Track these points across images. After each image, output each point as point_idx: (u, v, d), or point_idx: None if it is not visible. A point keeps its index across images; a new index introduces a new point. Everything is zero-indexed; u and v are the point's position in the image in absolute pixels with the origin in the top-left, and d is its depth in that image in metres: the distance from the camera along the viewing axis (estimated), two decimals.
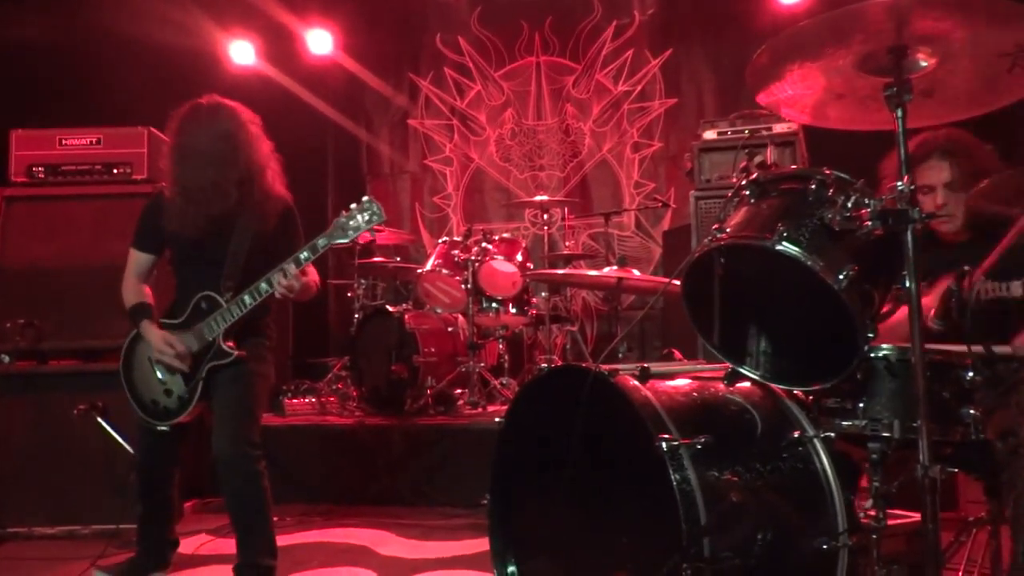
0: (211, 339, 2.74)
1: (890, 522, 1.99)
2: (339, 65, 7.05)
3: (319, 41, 6.88)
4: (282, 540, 3.53)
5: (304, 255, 2.64)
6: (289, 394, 5.10)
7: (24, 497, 3.68)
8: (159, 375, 2.82)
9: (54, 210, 3.95)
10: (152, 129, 4.14)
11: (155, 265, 2.96)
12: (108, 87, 5.49)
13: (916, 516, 2.09)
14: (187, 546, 3.50)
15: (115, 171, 4.06)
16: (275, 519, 3.84)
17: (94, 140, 4.09)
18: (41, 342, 3.82)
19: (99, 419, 3.62)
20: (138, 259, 2.92)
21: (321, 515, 4.00)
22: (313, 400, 5.11)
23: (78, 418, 3.63)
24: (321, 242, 2.66)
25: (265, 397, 2.91)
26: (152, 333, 2.77)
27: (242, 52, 6.86)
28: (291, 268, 2.64)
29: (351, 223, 2.65)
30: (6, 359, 3.80)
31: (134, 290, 2.89)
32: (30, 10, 5.22)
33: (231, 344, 2.74)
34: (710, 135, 4.73)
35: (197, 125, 2.84)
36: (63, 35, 5.44)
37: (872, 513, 1.99)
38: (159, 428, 2.80)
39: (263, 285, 2.66)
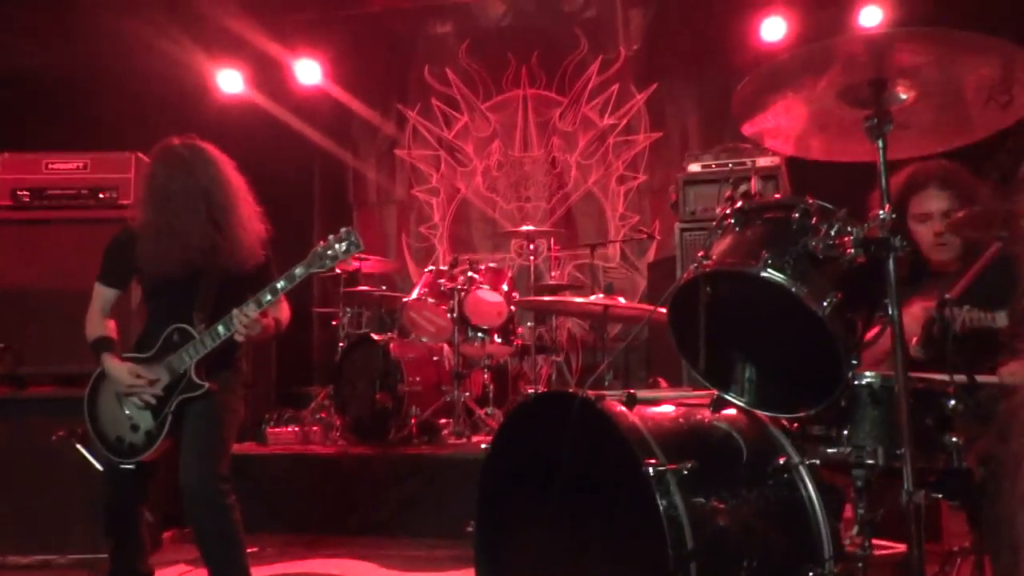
0: (182, 371, 2.68)
1: (875, 552, 2.00)
2: (327, 94, 7.10)
3: (307, 71, 6.93)
4: (263, 571, 3.50)
5: (266, 298, 2.62)
6: (272, 423, 5.06)
7: (0, 525, 3.60)
8: (126, 411, 2.74)
9: (38, 234, 3.94)
10: (139, 154, 4.14)
11: (119, 299, 2.91)
12: (97, 114, 5.51)
13: (901, 547, 2.10)
14: None
15: (101, 196, 4.05)
16: (256, 549, 3.83)
17: (81, 165, 4.08)
18: (20, 367, 3.77)
19: (78, 445, 3.56)
20: (104, 294, 2.86)
21: (303, 545, 3.95)
22: (296, 429, 5.06)
23: (56, 444, 3.57)
24: (298, 271, 2.64)
25: (235, 431, 2.83)
26: (116, 367, 2.71)
27: (230, 81, 6.90)
28: (250, 309, 2.61)
29: (329, 252, 2.63)
30: None
31: (97, 324, 2.83)
32: (20, 37, 5.24)
33: (201, 376, 2.69)
34: (694, 168, 4.80)
35: (170, 167, 2.79)
36: (53, 62, 5.47)
37: (858, 541, 1.99)
38: (123, 467, 2.71)
39: (220, 327, 2.64)
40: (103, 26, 5.64)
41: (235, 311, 2.61)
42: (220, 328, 2.64)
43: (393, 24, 7.20)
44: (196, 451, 2.64)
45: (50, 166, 4.07)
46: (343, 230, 2.68)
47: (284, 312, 2.94)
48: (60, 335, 3.81)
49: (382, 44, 7.23)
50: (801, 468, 2.00)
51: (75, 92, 5.51)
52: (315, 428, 5.09)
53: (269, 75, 6.97)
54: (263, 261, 2.87)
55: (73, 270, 3.87)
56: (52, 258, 3.90)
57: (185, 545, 4.08)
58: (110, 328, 2.84)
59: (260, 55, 6.90)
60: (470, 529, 2.35)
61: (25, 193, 4.02)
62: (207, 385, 2.67)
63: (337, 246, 2.63)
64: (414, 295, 4.99)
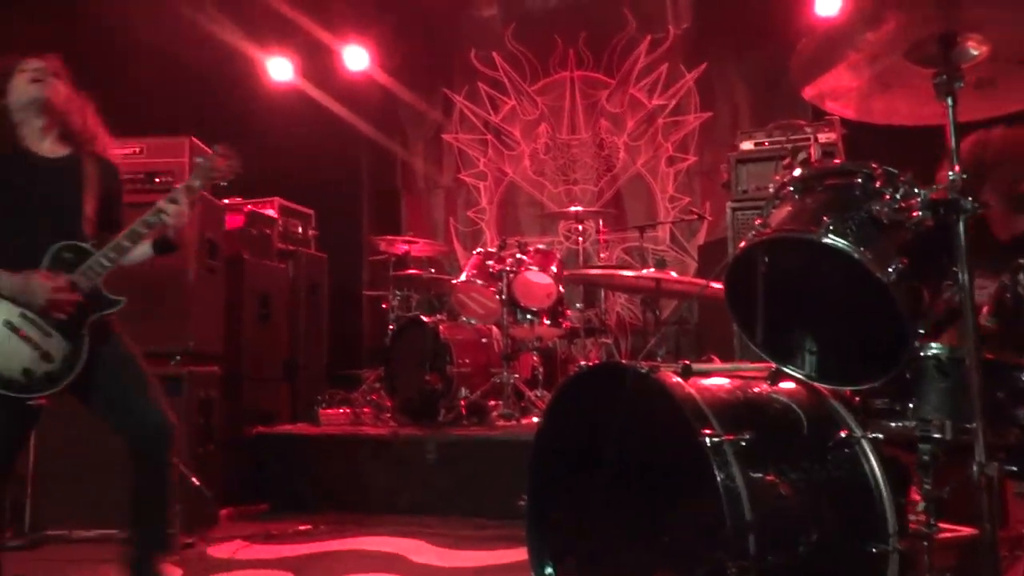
0: (91, 287, 2.48)
1: (940, 535, 1.92)
2: (374, 81, 7.15)
3: (355, 57, 6.99)
4: (315, 547, 3.55)
5: (196, 183, 2.67)
6: (324, 404, 5.12)
7: (62, 500, 3.69)
8: (25, 341, 2.37)
9: None
10: (193, 139, 4.21)
11: None
12: (152, 101, 5.62)
13: (967, 530, 2.03)
14: (223, 551, 3.52)
15: (156, 180, 4.12)
16: (309, 527, 3.90)
17: (137, 150, 4.16)
18: None
19: None
20: None
21: (355, 523, 3.98)
22: (348, 410, 5.12)
23: None
24: (197, 184, 2.70)
25: None
26: (20, 280, 2.36)
27: (280, 68, 6.99)
28: (181, 195, 2.57)
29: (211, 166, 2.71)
30: None
31: None
32: (78, 27, 5.36)
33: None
34: (747, 146, 4.69)
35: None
36: (109, 50, 5.58)
37: (923, 519, 1.92)
38: (33, 401, 2.40)
39: (150, 218, 2.52)
40: (159, 14, 5.76)
41: (161, 203, 2.54)
42: (124, 242, 2.50)
43: (439, 8, 7.20)
44: (150, 388, 2.57)
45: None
46: (219, 146, 2.75)
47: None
48: (120, 316, 3.89)
49: (428, 29, 7.25)
50: (864, 442, 1.94)
51: (132, 80, 5.62)
52: (366, 409, 5.14)
53: (318, 62, 7.06)
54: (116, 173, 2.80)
55: None
56: None
57: (241, 522, 4.16)
58: None
59: (309, 42, 6.99)
60: (522, 503, 2.33)
61: None
62: (123, 299, 2.54)
63: (214, 160, 2.71)
64: (463, 277, 4.99)
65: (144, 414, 2.53)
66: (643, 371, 1.93)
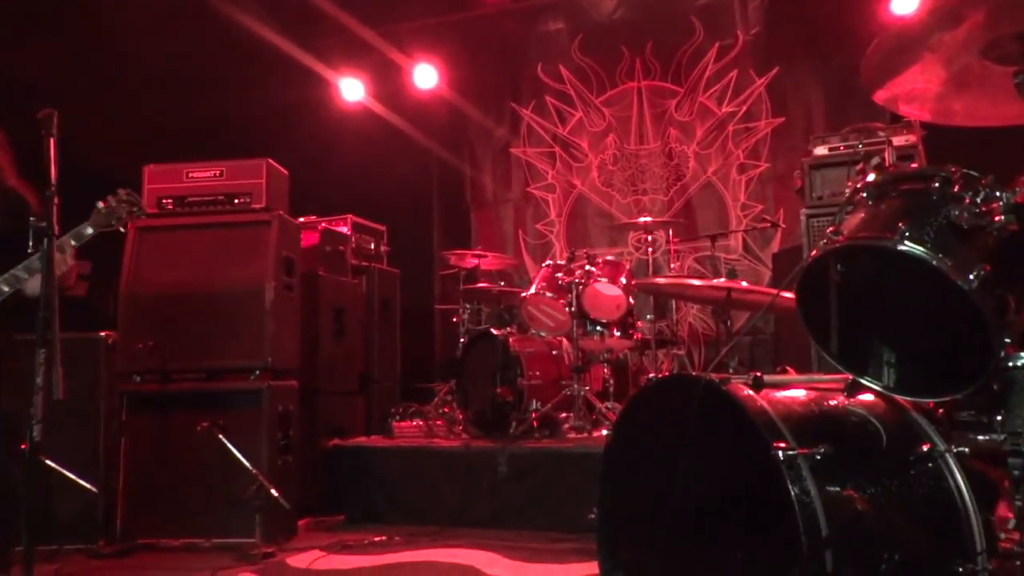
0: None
1: None
2: (443, 98, 7.28)
3: (424, 75, 7.14)
4: (390, 558, 3.60)
5: (87, 230, 2.67)
6: (397, 417, 5.20)
7: (152, 510, 3.86)
8: None
9: (180, 239, 4.19)
10: (270, 161, 4.36)
11: None
12: (229, 124, 5.83)
13: None
14: (301, 561, 3.60)
15: (236, 201, 4.27)
16: (384, 538, 3.95)
17: (218, 172, 4.32)
18: (167, 363, 4.03)
19: (220, 436, 3.79)
20: None
21: (428, 536, 4.02)
22: (420, 423, 5.19)
23: (200, 435, 3.80)
24: (88, 231, 2.70)
25: None
26: None
27: (351, 89, 7.18)
28: (66, 244, 2.62)
29: (114, 215, 2.73)
30: (137, 379, 4.03)
31: None
32: (157, 53, 5.61)
33: None
34: (821, 151, 4.57)
35: None
36: (187, 73, 5.82)
37: (1015, 537, 1.83)
38: None
39: (30, 265, 2.58)
40: (235, 40, 5.98)
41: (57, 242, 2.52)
42: (21, 273, 2.58)
43: (506, 24, 7.28)
44: None
45: (190, 175, 4.33)
46: (122, 191, 2.75)
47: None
48: (201, 332, 4.06)
49: (495, 44, 7.32)
50: (948, 456, 1.86)
51: (207, 103, 5.84)
52: (439, 422, 5.20)
53: (388, 82, 7.23)
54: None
55: (210, 271, 4.13)
56: (192, 261, 4.14)
57: (318, 532, 4.26)
58: None
59: (379, 63, 7.18)
60: (592, 516, 2.32)
61: (169, 201, 4.30)
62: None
63: (119, 208, 2.72)
64: (532, 290, 5.01)
65: None
66: (713, 383, 1.90)
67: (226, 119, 5.88)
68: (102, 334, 3.99)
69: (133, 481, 3.93)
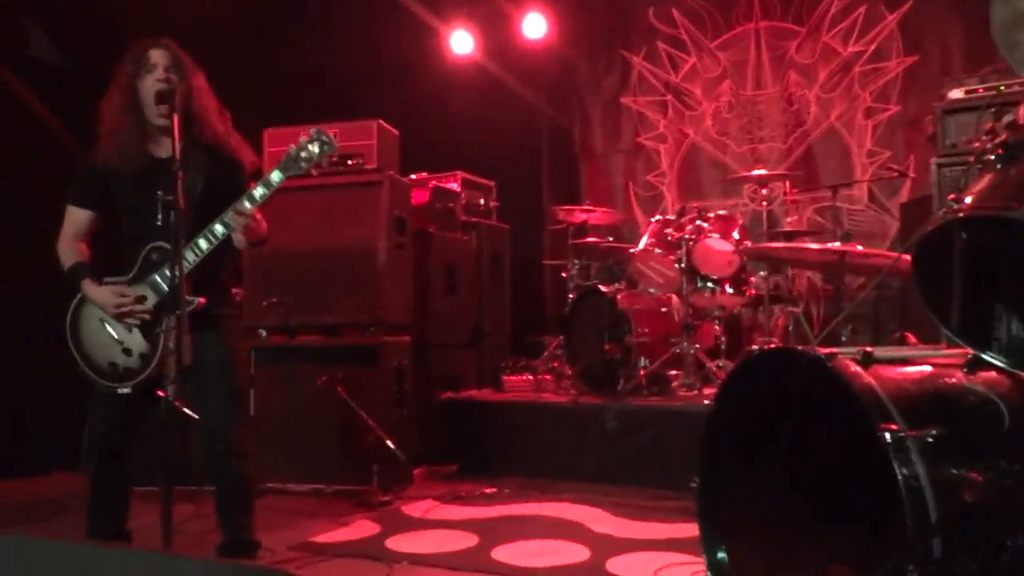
0: (168, 287, 2.52)
1: None
2: (551, 48, 7.17)
3: (534, 25, 7.04)
4: (500, 511, 3.72)
5: (259, 192, 2.52)
6: (507, 371, 5.31)
7: (278, 456, 4.10)
8: (115, 335, 2.59)
9: (297, 200, 4.35)
10: (381, 122, 4.45)
11: (93, 224, 2.69)
12: (340, 84, 5.97)
13: None
14: (416, 510, 3.77)
15: (349, 162, 4.40)
16: (494, 490, 4.08)
17: (332, 134, 4.43)
18: (290, 319, 4.26)
19: (339, 390, 3.99)
20: (74, 216, 2.67)
21: (537, 488, 4.12)
22: (530, 377, 5.28)
23: (321, 387, 4.02)
24: (275, 177, 2.54)
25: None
26: (97, 291, 2.56)
27: (461, 42, 7.18)
28: (245, 205, 2.50)
29: (303, 155, 2.56)
30: (263, 334, 4.28)
31: (71, 250, 2.64)
32: (268, 17, 5.78)
33: (189, 292, 2.46)
34: (956, 94, 4.23)
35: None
36: (300, 31, 5.98)
37: None
38: (120, 391, 2.56)
39: (218, 227, 2.51)
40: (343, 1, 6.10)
41: (228, 209, 2.50)
42: (218, 227, 2.51)
43: None
44: (223, 400, 2.66)
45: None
46: (313, 130, 2.59)
47: (263, 225, 2.76)
48: (319, 290, 4.25)
49: None
50: None
51: (319, 62, 5.99)
52: (547, 377, 5.27)
53: (496, 33, 7.19)
54: (239, 166, 2.72)
55: (326, 231, 4.30)
56: (310, 222, 4.31)
57: (432, 482, 4.44)
58: (84, 252, 2.66)
59: (488, 13, 7.13)
60: (693, 485, 2.31)
61: None
62: (196, 300, 2.48)
63: (311, 147, 2.56)
64: (641, 245, 4.95)
65: (210, 423, 2.66)
66: (819, 359, 1.84)
67: (340, 76, 6.02)
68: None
69: (262, 429, 4.18)
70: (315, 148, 2.56)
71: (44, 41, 4.94)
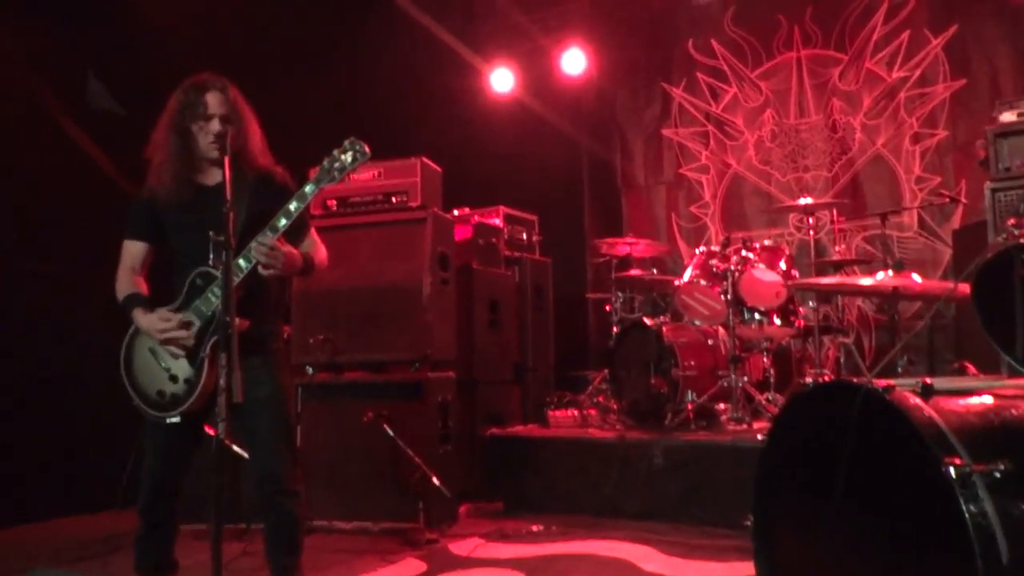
0: (210, 312, 2.53)
1: None
2: (591, 82, 7.24)
3: (573, 60, 7.11)
4: (547, 549, 3.66)
5: (280, 222, 2.49)
6: (552, 406, 5.26)
7: (324, 493, 4.10)
8: (161, 364, 2.60)
9: (344, 238, 4.40)
10: (424, 159, 4.50)
11: (149, 255, 2.73)
12: (383, 118, 6.06)
13: None
14: (462, 548, 3.73)
15: (393, 199, 4.46)
16: (540, 528, 4.02)
17: (377, 173, 4.52)
18: (337, 356, 4.29)
19: (384, 426, 3.99)
20: (130, 249, 2.71)
21: (584, 527, 4.05)
22: (575, 412, 5.22)
23: (367, 425, 4.02)
24: (308, 189, 2.51)
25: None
26: (145, 318, 2.58)
27: (502, 79, 7.28)
28: (267, 236, 2.48)
29: (336, 164, 2.52)
30: (310, 370, 4.32)
31: (127, 282, 2.67)
32: (306, 57, 5.90)
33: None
34: (1008, 117, 4.13)
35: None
36: (341, 75, 6.09)
37: None
38: (169, 420, 2.57)
39: (241, 261, 2.50)
40: (389, 41, 6.21)
41: (252, 242, 2.48)
42: (241, 262, 2.49)
43: (655, 2, 7.10)
44: (276, 437, 2.65)
45: (351, 176, 4.54)
46: (347, 141, 2.54)
47: (319, 251, 2.77)
48: (365, 326, 4.28)
49: (644, 23, 7.17)
50: None
51: (361, 101, 6.09)
52: (592, 412, 5.21)
53: (536, 69, 7.27)
54: (284, 192, 2.64)
55: (373, 268, 4.34)
56: (356, 258, 4.36)
57: (478, 519, 4.40)
58: (139, 284, 2.68)
59: (528, 51, 7.23)
60: (748, 523, 2.25)
61: (333, 202, 4.55)
62: (239, 322, 2.40)
63: (344, 157, 2.53)
64: (685, 277, 4.89)
65: (260, 461, 2.65)
66: (875, 392, 1.78)
67: (383, 114, 6.11)
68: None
69: (308, 466, 4.20)
70: (348, 157, 2.54)
71: (103, 91, 5.12)
